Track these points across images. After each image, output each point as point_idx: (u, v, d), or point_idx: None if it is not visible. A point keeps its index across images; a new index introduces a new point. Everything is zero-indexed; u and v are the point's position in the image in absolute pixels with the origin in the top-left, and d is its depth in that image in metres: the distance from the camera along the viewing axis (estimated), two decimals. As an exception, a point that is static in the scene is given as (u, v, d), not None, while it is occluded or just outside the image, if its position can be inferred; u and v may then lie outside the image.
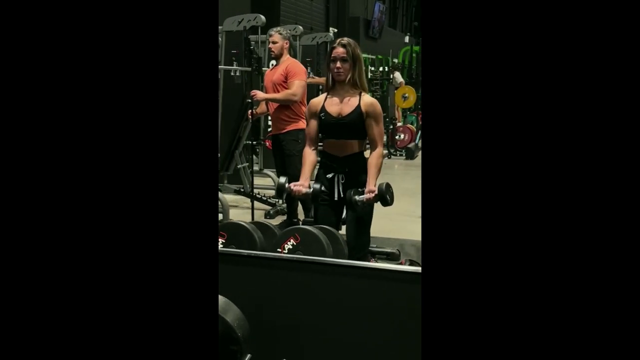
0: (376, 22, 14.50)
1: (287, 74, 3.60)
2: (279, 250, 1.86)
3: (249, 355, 1.18)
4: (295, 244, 1.86)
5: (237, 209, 4.60)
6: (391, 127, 8.49)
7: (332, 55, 2.39)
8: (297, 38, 6.43)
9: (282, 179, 2.44)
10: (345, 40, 2.44)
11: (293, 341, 1.46)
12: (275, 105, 3.68)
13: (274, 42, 3.73)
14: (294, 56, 6.28)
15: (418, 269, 1.44)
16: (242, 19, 4.78)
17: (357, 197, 2.31)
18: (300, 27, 6.23)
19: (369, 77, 13.27)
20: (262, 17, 4.82)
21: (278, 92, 3.64)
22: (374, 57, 14.21)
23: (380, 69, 13.27)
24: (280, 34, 3.76)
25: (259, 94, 3.67)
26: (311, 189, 2.38)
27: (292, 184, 2.41)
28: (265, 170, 5.32)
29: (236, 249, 1.86)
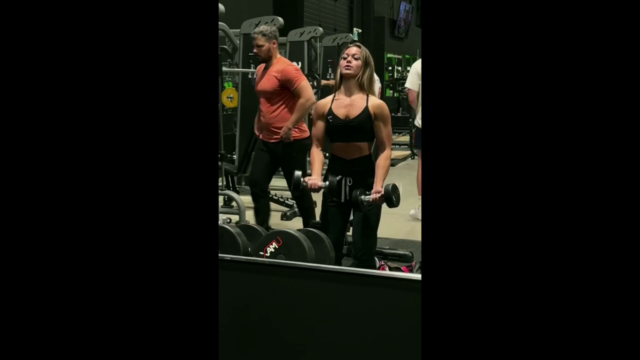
0: (402, 22, 14.38)
1: (284, 81, 3.21)
2: (261, 253, 1.86)
3: None
4: (277, 247, 1.86)
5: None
6: (414, 128, 8.39)
7: (345, 52, 2.43)
8: (318, 39, 6.45)
9: (298, 173, 2.44)
10: (359, 43, 2.50)
11: (271, 347, 1.45)
12: (269, 111, 3.29)
13: (259, 46, 3.27)
14: (315, 58, 6.31)
15: (402, 274, 1.42)
16: (260, 22, 4.80)
17: (363, 197, 2.34)
18: (320, 29, 6.22)
19: (396, 77, 13.21)
20: (280, 19, 4.84)
21: (272, 100, 3.27)
22: (400, 56, 14.12)
23: (408, 68, 13.16)
24: (264, 35, 3.26)
25: (286, 133, 3.24)
26: (327, 183, 2.40)
27: (306, 178, 2.43)
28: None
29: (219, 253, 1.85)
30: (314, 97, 3.35)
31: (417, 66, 4.21)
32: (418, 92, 4.13)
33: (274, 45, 3.31)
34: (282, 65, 3.29)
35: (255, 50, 3.33)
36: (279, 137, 3.28)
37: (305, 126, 3.43)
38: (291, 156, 3.31)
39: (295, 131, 3.27)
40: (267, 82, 3.28)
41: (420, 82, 4.07)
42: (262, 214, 3.45)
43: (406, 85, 4.33)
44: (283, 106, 3.28)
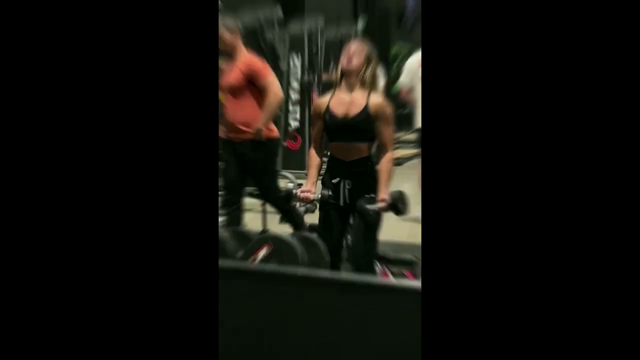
0: (409, 13, 14.19)
1: (250, 75, 3.07)
2: (252, 258, 1.83)
3: None
4: (268, 252, 1.82)
5: (252, 212, 4.41)
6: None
7: (346, 48, 2.31)
8: (320, 31, 6.26)
9: (290, 186, 2.41)
10: (363, 39, 2.46)
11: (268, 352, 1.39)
12: (235, 107, 3.13)
13: (221, 40, 3.08)
14: (317, 51, 6.11)
15: (401, 282, 1.44)
16: (258, 12, 4.62)
17: (368, 207, 2.21)
18: (322, 21, 6.03)
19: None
20: (279, 9, 4.65)
21: (237, 96, 3.11)
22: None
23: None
24: (228, 28, 3.11)
25: (257, 132, 3.08)
26: (319, 196, 2.34)
27: (299, 190, 2.35)
28: (284, 172, 5.20)
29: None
30: (282, 93, 3.21)
31: (407, 64, 4.24)
32: (409, 89, 4.15)
33: (237, 39, 3.16)
34: (246, 59, 3.13)
35: (220, 46, 3.14)
36: (244, 136, 3.10)
37: (272, 125, 3.26)
38: (260, 157, 3.16)
39: (264, 130, 3.11)
40: (231, 76, 3.12)
41: (409, 79, 4.12)
42: (234, 224, 3.23)
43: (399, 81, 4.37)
44: (249, 102, 3.09)
